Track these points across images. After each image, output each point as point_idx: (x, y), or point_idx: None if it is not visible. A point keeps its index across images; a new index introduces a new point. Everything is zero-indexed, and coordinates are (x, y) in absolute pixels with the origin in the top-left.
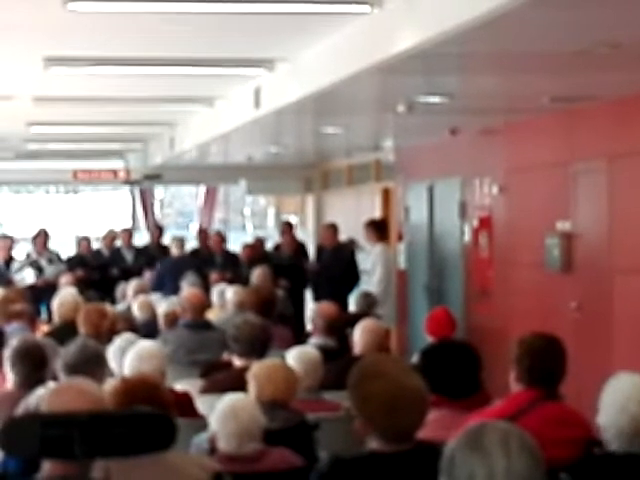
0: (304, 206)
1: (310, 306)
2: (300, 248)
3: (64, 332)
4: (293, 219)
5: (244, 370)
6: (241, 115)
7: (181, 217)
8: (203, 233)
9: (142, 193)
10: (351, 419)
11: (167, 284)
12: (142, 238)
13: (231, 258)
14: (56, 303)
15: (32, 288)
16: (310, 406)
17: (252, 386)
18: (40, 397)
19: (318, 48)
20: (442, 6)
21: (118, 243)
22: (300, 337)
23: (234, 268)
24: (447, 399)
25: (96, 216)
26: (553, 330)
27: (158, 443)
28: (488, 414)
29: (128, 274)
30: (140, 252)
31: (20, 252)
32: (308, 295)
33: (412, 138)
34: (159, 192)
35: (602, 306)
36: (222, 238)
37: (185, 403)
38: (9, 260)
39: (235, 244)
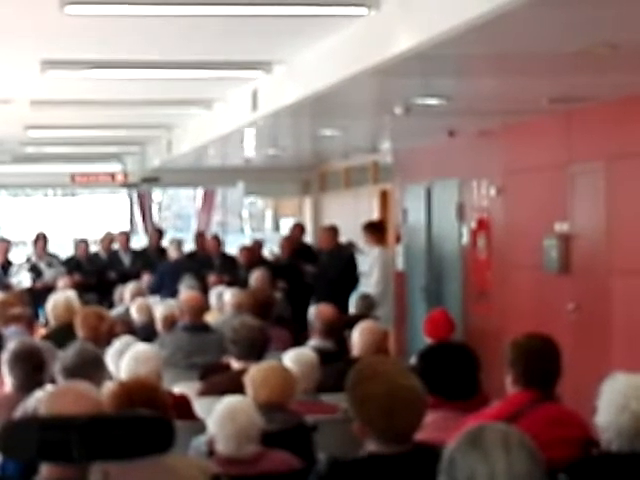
0: (302, 208)
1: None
2: (306, 250)
3: (60, 334)
4: (290, 221)
5: (242, 372)
6: (239, 118)
7: (179, 220)
8: (200, 236)
9: (140, 196)
10: (349, 421)
11: (165, 287)
12: (140, 241)
13: (229, 261)
14: (49, 306)
15: (30, 291)
16: (308, 408)
17: (249, 389)
18: (38, 400)
19: (315, 50)
20: (439, 8)
21: (116, 246)
22: (299, 339)
23: (232, 271)
24: (445, 401)
25: (94, 219)
26: (551, 331)
27: (156, 446)
28: (486, 416)
29: (126, 277)
30: (138, 255)
31: (17, 255)
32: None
33: (410, 140)
34: (157, 195)
35: (600, 307)
36: (219, 241)
37: (183, 405)
38: (6, 264)
39: (233, 247)
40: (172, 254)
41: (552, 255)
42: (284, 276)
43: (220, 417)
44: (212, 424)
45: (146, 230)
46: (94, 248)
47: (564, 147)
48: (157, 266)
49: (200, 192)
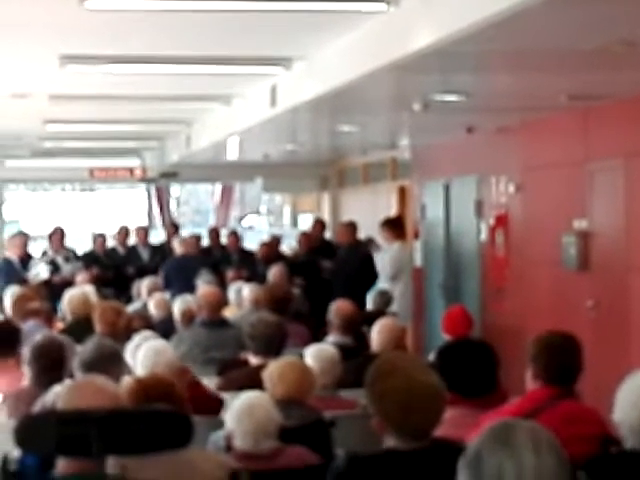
0: (320, 204)
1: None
2: (326, 246)
3: (77, 329)
4: (309, 217)
5: (260, 368)
6: (257, 113)
7: (197, 215)
8: (214, 232)
9: (158, 191)
10: (368, 417)
11: (174, 283)
12: (158, 236)
13: (247, 256)
14: (65, 300)
15: (48, 285)
16: (327, 404)
17: (267, 384)
18: (57, 395)
19: (335, 46)
20: (459, 4)
21: (133, 241)
22: (318, 335)
23: (250, 266)
24: (464, 397)
25: (112, 214)
26: (569, 328)
27: (174, 441)
28: (505, 412)
29: (144, 272)
30: (156, 250)
31: (36, 250)
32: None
33: (428, 136)
34: (175, 190)
35: (619, 304)
36: (237, 237)
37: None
38: (25, 258)
39: (251, 242)
40: (179, 250)
41: (571, 252)
42: (302, 272)
43: (238, 412)
44: (230, 419)
45: (164, 225)
46: (112, 243)
47: (582, 144)
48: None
49: (218, 187)
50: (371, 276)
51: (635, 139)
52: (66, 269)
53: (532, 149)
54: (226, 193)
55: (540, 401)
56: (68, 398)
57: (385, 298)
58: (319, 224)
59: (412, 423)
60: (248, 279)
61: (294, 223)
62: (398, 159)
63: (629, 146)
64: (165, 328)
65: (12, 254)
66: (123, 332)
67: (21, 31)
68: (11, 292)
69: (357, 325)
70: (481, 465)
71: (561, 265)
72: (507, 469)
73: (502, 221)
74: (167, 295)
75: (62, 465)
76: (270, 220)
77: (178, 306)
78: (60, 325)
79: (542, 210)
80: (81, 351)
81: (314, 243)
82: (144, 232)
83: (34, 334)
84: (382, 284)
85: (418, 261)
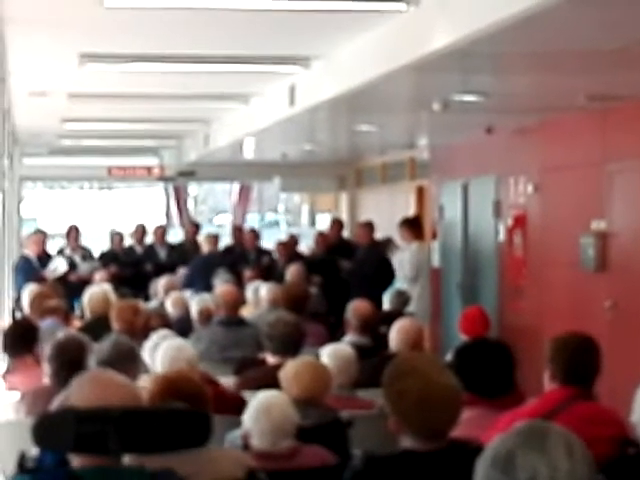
0: (338, 204)
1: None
2: (344, 246)
3: (96, 327)
4: (327, 217)
5: (277, 367)
6: (276, 112)
7: (215, 214)
8: (237, 230)
9: (176, 190)
10: (385, 417)
11: (198, 281)
12: (176, 235)
13: (265, 255)
14: (85, 298)
15: (65, 283)
16: (344, 403)
17: (283, 384)
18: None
19: (354, 46)
20: (478, 4)
21: (150, 239)
22: (335, 335)
23: (268, 265)
24: (481, 398)
25: (130, 212)
26: (587, 329)
27: (192, 440)
28: (522, 413)
29: (162, 271)
30: (174, 249)
31: (54, 248)
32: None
33: (447, 136)
34: (193, 189)
35: (636, 305)
36: (256, 235)
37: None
38: (43, 256)
39: (269, 241)
40: (205, 248)
41: (589, 253)
42: (320, 271)
43: (255, 412)
44: (247, 419)
45: (182, 224)
46: (129, 241)
47: (601, 145)
48: (191, 260)
49: (236, 187)
50: (389, 276)
51: None
52: (83, 267)
53: (551, 150)
54: (244, 192)
55: (557, 402)
56: (81, 390)
57: (403, 298)
58: (337, 224)
59: (429, 424)
60: (265, 278)
61: (312, 223)
62: (416, 159)
63: None
64: (182, 327)
65: (30, 252)
66: (141, 330)
67: (40, 29)
68: (29, 290)
69: (374, 325)
70: (513, 468)
71: (579, 266)
72: (542, 473)
73: (520, 221)
74: (187, 293)
75: (77, 461)
76: (288, 219)
77: (196, 305)
78: (77, 323)
79: (560, 211)
80: (98, 349)
81: (332, 243)
82: (162, 231)
83: (52, 332)
84: (401, 284)
85: (436, 261)
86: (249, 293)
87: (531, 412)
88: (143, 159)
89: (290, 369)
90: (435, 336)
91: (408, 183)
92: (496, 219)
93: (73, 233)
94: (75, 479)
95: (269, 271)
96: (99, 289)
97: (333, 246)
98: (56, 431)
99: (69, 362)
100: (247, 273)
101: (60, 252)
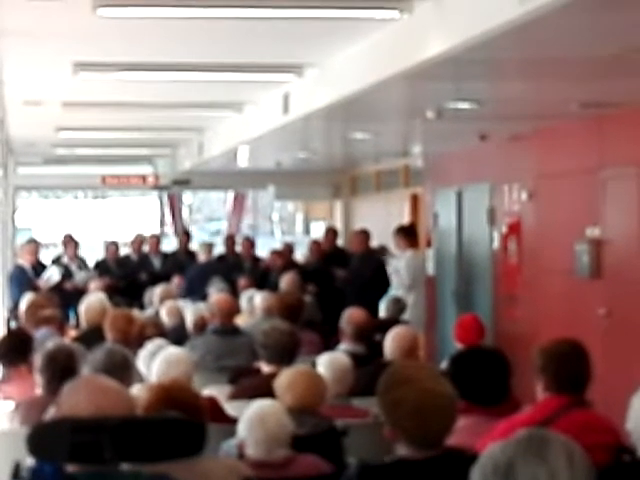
0: (332, 212)
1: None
2: (338, 254)
3: (92, 337)
4: (321, 225)
5: (272, 376)
6: (270, 121)
7: (210, 223)
8: (230, 239)
9: (170, 198)
10: (380, 425)
11: (194, 290)
12: (170, 244)
13: (260, 264)
14: (82, 308)
15: (60, 293)
16: (339, 412)
17: (277, 393)
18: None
19: (347, 54)
20: (471, 12)
21: (146, 248)
22: (330, 343)
23: (262, 274)
24: (477, 406)
25: (124, 221)
26: (582, 336)
27: (187, 449)
28: (517, 421)
29: (156, 280)
30: (168, 258)
31: (48, 257)
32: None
33: (441, 144)
34: (187, 198)
35: (631, 313)
36: (251, 243)
37: (214, 408)
38: (37, 265)
39: (263, 250)
40: (201, 257)
41: (583, 260)
42: (314, 280)
43: (250, 421)
44: (242, 428)
45: (176, 232)
46: (124, 250)
47: (596, 152)
48: (186, 269)
49: (231, 195)
50: (384, 284)
51: None
52: (79, 277)
53: (545, 157)
54: (238, 201)
55: (553, 410)
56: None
57: (399, 306)
58: (331, 232)
59: (424, 432)
60: (260, 287)
61: (306, 231)
62: (411, 167)
63: None
64: (177, 335)
65: (24, 261)
66: (135, 339)
67: (34, 39)
68: (26, 299)
69: (369, 333)
70: (514, 476)
71: (574, 273)
72: None
73: (515, 229)
74: (184, 302)
75: (73, 471)
76: (282, 228)
77: (191, 314)
78: (72, 333)
79: (555, 218)
80: (91, 359)
81: (326, 251)
82: (156, 240)
83: (46, 342)
84: (397, 292)
85: (430, 269)
86: (243, 302)
87: (527, 420)
88: (137, 168)
89: (284, 378)
90: (430, 344)
91: (402, 191)
92: (490, 226)
93: (70, 243)
94: None
95: (262, 279)
96: (95, 299)
97: (327, 254)
98: (51, 441)
99: (61, 371)
100: (242, 281)
101: (56, 261)
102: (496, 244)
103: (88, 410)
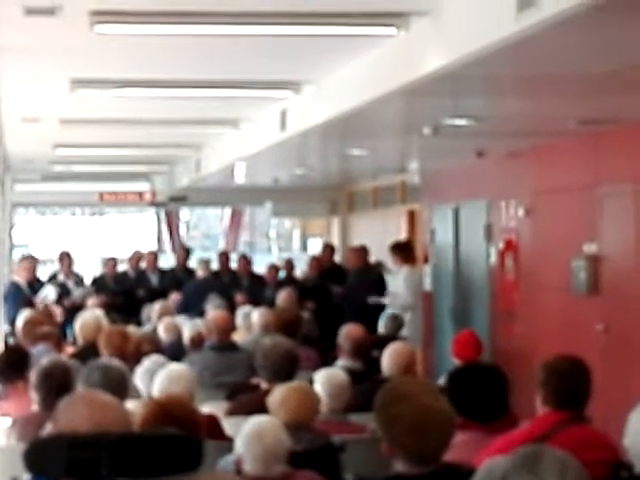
0: (330, 228)
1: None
2: (336, 271)
3: (89, 353)
4: (318, 241)
5: (270, 392)
6: (267, 137)
7: (207, 239)
8: (223, 256)
9: (168, 215)
10: (377, 441)
11: (192, 306)
12: (167, 260)
13: (257, 280)
14: (78, 325)
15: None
16: (336, 428)
17: (271, 409)
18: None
19: (344, 70)
20: (468, 29)
21: (143, 265)
22: (328, 359)
23: (260, 290)
24: (474, 422)
25: (122, 238)
26: (579, 353)
27: (184, 465)
28: (515, 437)
29: (154, 296)
30: (165, 274)
31: (45, 274)
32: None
33: (438, 160)
34: (185, 214)
35: (629, 329)
36: (248, 261)
37: (212, 425)
38: (34, 282)
39: (260, 266)
40: (200, 273)
41: (580, 276)
42: (312, 296)
43: (247, 437)
44: (239, 444)
45: (174, 249)
46: (122, 267)
47: (592, 168)
48: (184, 285)
49: (228, 212)
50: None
51: None
52: (77, 293)
53: (542, 173)
54: (236, 217)
55: (551, 426)
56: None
57: (397, 322)
58: (329, 248)
59: (422, 448)
60: (256, 303)
61: (303, 247)
62: (408, 183)
63: (639, 170)
64: (174, 352)
65: (20, 278)
66: (132, 356)
67: (32, 55)
68: (23, 316)
69: (367, 349)
70: None
71: (571, 289)
72: None
73: (512, 245)
74: (181, 318)
75: None
76: (280, 244)
77: (188, 330)
78: (70, 349)
79: (552, 234)
80: (87, 374)
81: (324, 267)
82: (153, 257)
83: (44, 358)
84: (396, 309)
85: (427, 285)
86: (239, 318)
87: (524, 436)
88: (135, 184)
89: (277, 394)
90: (427, 360)
91: (399, 207)
92: (487, 243)
93: (66, 259)
94: None
95: (257, 295)
96: (91, 315)
97: (325, 271)
98: (48, 457)
99: (57, 387)
100: (238, 298)
101: (53, 278)
102: (493, 260)
103: (86, 426)
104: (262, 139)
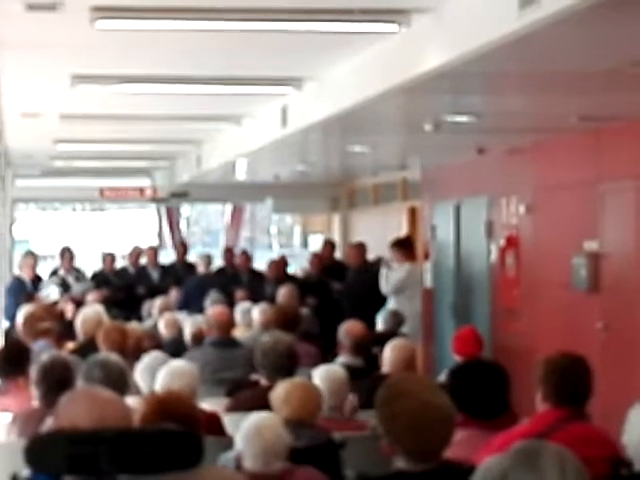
0: (330, 225)
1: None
2: (336, 267)
3: (89, 349)
4: (319, 238)
5: (270, 389)
6: (268, 134)
7: (207, 235)
8: (229, 252)
9: (168, 211)
10: (378, 438)
11: (192, 302)
12: (168, 256)
13: (257, 277)
14: (79, 320)
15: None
16: (336, 425)
17: (273, 406)
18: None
19: (346, 67)
20: (469, 25)
21: (144, 261)
22: (328, 356)
23: (260, 287)
24: (475, 419)
25: (122, 234)
26: (579, 350)
27: (184, 461)
28: (515, 434)
29: (154, 292)
30: (166, 270)
31: (46, 269)
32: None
33: (439, 157)
34: (185, 210)
35: (629, 326)
36: (248, 257)
37: (213, 422)
38: (36, 279)
39: (261, 263)
40: (200, 269)
41: (581, 273)
42: (313, 292)
43: (247, 433)
44: (239, 441)
45: (174, 245)
46: (122, 262)
47: (594, 165)
48: (184, 281)
49: (229, 208)
50: (381, 296)
51: None
52: (76, 289)
53: (543, 170)
54: (236, 213)
55: (551, 423)
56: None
57: (397, 319)
58: (329, 245)
59: (422, 445)
60: (256, 299)
61: (304, 244)
62: (408, 180)
63: None
64: (175, 348)
65: (24, 274)
66: (132, 352)
67: (32, 51)
68: (24, 311)
69: (367, 346)
70: None
71: (571, 286)
72: None
73: (512, 242)
74: (181, 314)
75: None
76: (280, 241)
77: (188, 326)
78: (70, 345)
79: (553, 231)
80: (87, 369)
81: (324, 264)
82: (154, 252)
83: (44, 354)
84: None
85: (428, 282)
86: (238, 315)
87: (525, 433)
88: (135, 180)
89: (281, 391)
90: (428, 357)
91: (400, 204)
92: (488, 240)
93: (67, 255)
94: None
95: (256, 291)
96: (92, 311)
97: (325, 267)
98: (48, 452)
99: (57, 383)
100: (238, 294)
101: (54, 273)
102: (494, 257)
103: (87, 421)
104: (263, 135)
